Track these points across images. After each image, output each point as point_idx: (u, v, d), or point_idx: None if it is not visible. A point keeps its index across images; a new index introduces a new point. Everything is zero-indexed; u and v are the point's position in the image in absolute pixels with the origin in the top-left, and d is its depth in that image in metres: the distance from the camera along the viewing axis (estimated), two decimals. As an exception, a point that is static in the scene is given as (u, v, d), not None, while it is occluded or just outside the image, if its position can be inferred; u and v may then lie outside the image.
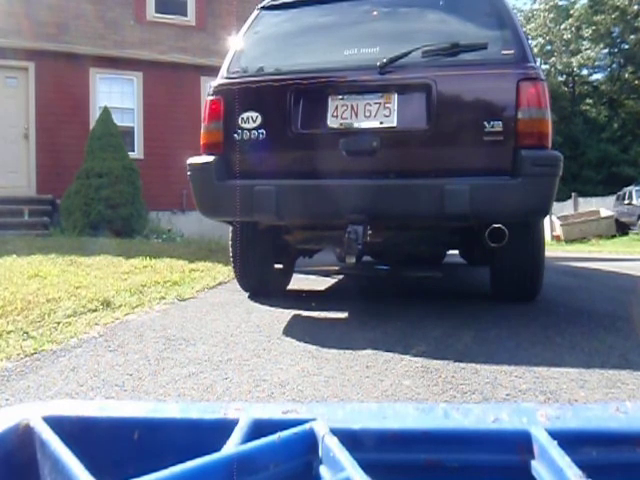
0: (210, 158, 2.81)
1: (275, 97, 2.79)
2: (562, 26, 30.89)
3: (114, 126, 9.41)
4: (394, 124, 2.62)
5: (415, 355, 2.05)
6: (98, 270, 4.38)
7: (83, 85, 10.16)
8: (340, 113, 2.69)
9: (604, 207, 18.30)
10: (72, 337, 2.48)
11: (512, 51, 2.58)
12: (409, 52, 2.60)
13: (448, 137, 2.57)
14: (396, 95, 2.64)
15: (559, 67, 31.96)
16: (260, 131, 2.76)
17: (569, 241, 17.68)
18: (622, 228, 16.93)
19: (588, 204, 19.65)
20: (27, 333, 2.50)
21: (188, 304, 3.37)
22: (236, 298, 3.48)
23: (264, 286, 3.51)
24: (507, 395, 1.61)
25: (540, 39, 32.51)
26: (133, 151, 10.44)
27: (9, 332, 2.48)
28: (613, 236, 16.74)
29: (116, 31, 10.35)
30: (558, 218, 18.96)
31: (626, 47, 30.67)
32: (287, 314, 2.93)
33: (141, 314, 3.02)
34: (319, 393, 1.67)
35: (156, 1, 10.93)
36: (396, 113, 2.62)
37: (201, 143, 2.94)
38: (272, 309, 3.11)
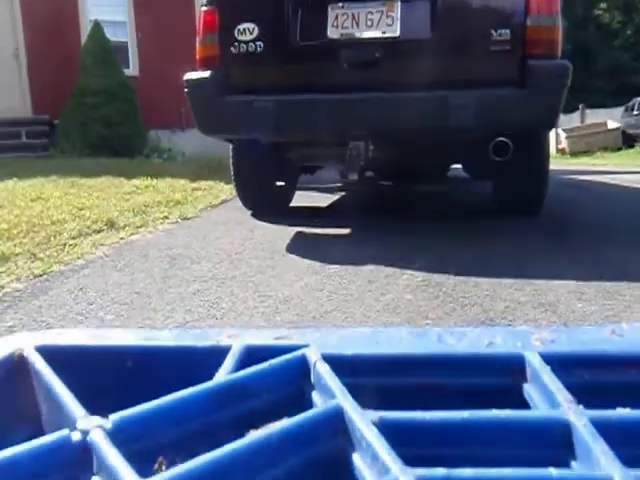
0: (206, 73, 2.71)
1: (272, 6, 2.65)
2: None
3: (106, 41, 9.04)
4: (397, 34, 2.50)
5: (417, 270, 2.08)
6: (100, 191, 4.36)
7: (70, -4, 9.65)
8: (340, 23, 2.56)
9: (612, 119, 17.85)
10: (79, 258, 2.51)
11: None
12: None
13: (453, 47, 2.47)
14: (399, 3, 2.50)
15: (573, -33, 30.04)
16: (258, 43, 2.64)
17: (574, 154, 17.43)
18: (629, 140, 16.61)
19: (596, 115, 19.16)
20: (34, 255, 2.54)
21: (192, 223, 3.39)
22: (239, 216, 3.49)
23: (266, 204, 3.50)
24: (506, 307, 1.65)
25: None
26: (128, 68, 10.08)
27: (17, 254, 2.51)
28: (619, 149, 16.48)
29: None
30: (564, 130, 18.58)
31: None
32: (290, 231, 2.95)
33: (145, 234, 3.04)
34: (322, 308, 1.71)
35: None
36: (399, 22, 2.50)
37: (197, 57, 2.83)
38: (275, 226, 3.13)
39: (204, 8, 2.76)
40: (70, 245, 2.77)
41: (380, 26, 2.52)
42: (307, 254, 2.38)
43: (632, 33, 30.19)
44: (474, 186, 4.33)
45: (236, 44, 2.67)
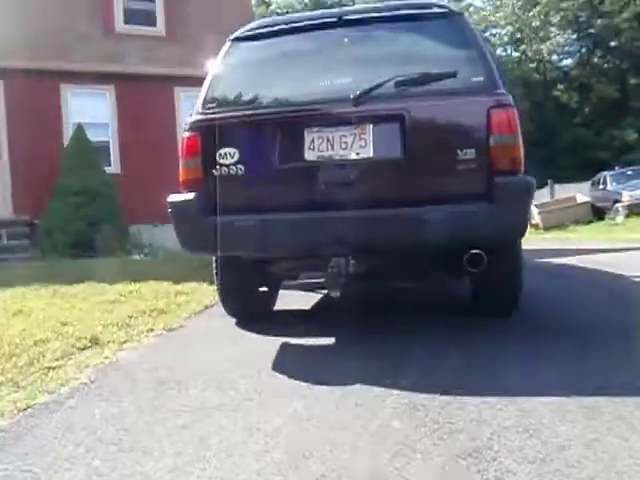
0: (190, 195, 2.83)
1: (251, 132, 2.82)
2: (530, 13, 31.20)
3: (88, 143, 9.34)
4: (370, 155, 2.67)
5: (402, 389, 2.11)
6: (83, 301, 4.37)
7: (54, 101, 10.04)
8: (317, 145, 2.73)
9: (580, 193, 18.58)
10: (63, 385, 2.49)
11: (481, 78, 2.63)
12: (381, 84, 2.65)
13: (423, 166, 2.63)
14: (371, 126, 2.68)
15: (530, 54, 32.29)
16: (239, 166, 2.79)
17: (547, 228, 17.96)
18: (598, 213, 17.20)
19: (564, 190, 19.93)
20: (17, 383, 2.51)
21: (176, 335, 3.40)
22: (223, 326, 3.51)
23: (249, 311, 3.55)
24: (491, 434, 1.68)
25: (510, 27, 32.82)
26: (110, 166, 10.36)
27: (0, 383, 2.49)
28: (590, 221, 17.04)
29: (84, 45, 10.23)
30: (535, 206, 19.23)
31: (593, 32, 31.09)
32: (274, 343, 2.97)
33: (130, 351, 3.03)
34: (311, 442, 1.72)
35: (124, 12, 10.82)
36: (371, 144, 2.67)
37: (180, 179, 2.96)
38: (260, 337, 3.15)
39: (187, 134, 2.93)
40: (54, 368, 2.75)
41: (354, 148, 2.70)
42: (293, 372, 2.40)
43: (590, 112, 32.10)
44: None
45: (218, 167, 2.81)
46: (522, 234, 2.67)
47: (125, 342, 3.23)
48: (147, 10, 10.96)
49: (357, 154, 2.69)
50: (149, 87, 10.58)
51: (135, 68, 10.33)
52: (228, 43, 3.12)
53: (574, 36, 31.82)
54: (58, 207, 8.81)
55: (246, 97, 2.91)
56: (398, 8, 2.99)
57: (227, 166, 2.80)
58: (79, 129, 9.33)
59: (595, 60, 31.80)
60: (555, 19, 30.61)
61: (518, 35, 32.93)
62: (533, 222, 19.56)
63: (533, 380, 2.14)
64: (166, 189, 11.49)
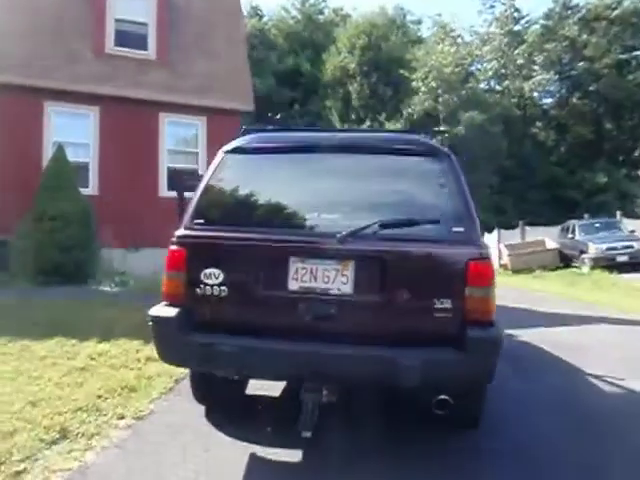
0: (172, 312, 2.88)
1: (237, 255, 2.89)
2: (516, 51, 31.94)
3: (67, 164, 9.26)
4: (350, 291, 2.77)
5: None
6: (52, 367, 4.35)
7: (37, 119, 9.92)
8: (300, 276, 2.82)
9: (549, 237, 19.08)
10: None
11: (462, 229, 2.76)
12: (366, 227, 2.75)
13: (400, 309, 2.74)
14: (353, 263, 2.79)
15: (512, 90, 33.02)
16: (222, 288, 2.85)
17: (515, 271, 18.40)
18: (565, 260, 17.71)
19: (535, 232, 20.43)
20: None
21: (146, 430, 3.40)
22: (193, 418, 3.54)
23: (221, 399, 3.61)
24: None
25: (495, 62, 33.51)
26: (87, 187, 10.28)
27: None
28: (557, 267, 17.52)
29: (73, 64, 10.15)
30: (506, 247, 19.71)
31: (575, 74, 32.00)
32: (243, 451, 3.04)
33: (99, 454, 3.04)
34: None
35: (115, 34, 10.77)
36: (352, 281, 2.77)
37: (163, 290, 3.01)
38: (230, 443, 3.20)
39: (173, 247, 2.98)
40: (19, 474, 2.76)
41: (336, 283, 2.79)
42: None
43: (565, 151, 33.00)
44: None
45: (202, 286, 2.87)
46: (490, 381, 2.79)
47: (94, 436, 3.25)
48: (139, 33, 10.93)
49: (338, 289, 2.78)
50: (135, 111, 10.54)
51: (122, 91, 10.28)
52: (220, 155, 3.19)
53: (556, 77, 32.66)
54: (32, 230, 8.70)
55: (234, 218, 2.97)
56: (391, 140, 3.11)
57: (211, 286, 2.86)
58: (59, 150, 9.23)
59: (574, 101, 32.69)
60: (539, 59, 31.39)
61: (502, 70, 33.65)
62: (502, 262, 20.06)
63: None
64: (142, 214, 11.57)
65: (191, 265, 2.91)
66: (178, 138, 11.35)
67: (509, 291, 13.94)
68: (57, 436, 3.20)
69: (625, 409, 4.03)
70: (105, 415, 3.55)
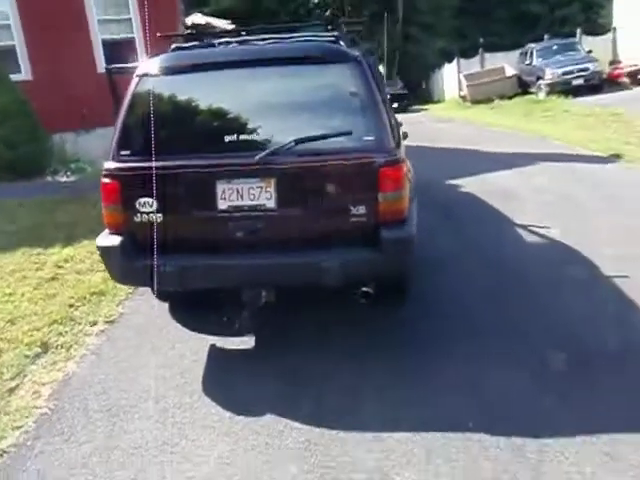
0: (115, 240, 3.14)
1: (167, 183, 3.06)
2: None
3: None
4: (274, 206, 3.03)
5: (303, 422, 2.74)
6: (23, 281, 4.66)
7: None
8: (228, 196, 3.05)
9: (509, 63, 18.81)
10: (27, 417, 2.97)
11: (372, 137, 2.94)
12: (283, 146, 2.92)
13: (320, 218, 3.02)
14: (274, 180, 3.00)
15: None
16: (158, 215, 3.08)
17: (475, 101, 18.43)
18: (524, 86, 17.70)
19: (494, 60, 20.06)
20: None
21: (118, 334, 3.84)
22: (157, 318, 3.96)
23: (180, 297, 4.01)
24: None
25: None
26: (19, 72, 9.74)
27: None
28: (516, 95, 17.55)
29: None
30: (465, 77, 19.47)
31: None
32: (204, 344, 3.53)
33: (79, 363, 3.49)
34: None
35: None
36: (275, 197, 3.02)
37: (105, 221, 3.23)
38: (191, 335, 3.67)
39: (105, 180, 3.14)
40: (14, 390, 3.21)
41: (261, 199, 3.03)
42: (220, 400, 2.98)
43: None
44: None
45: (138, 215, 3.09)
46: (406, 274, 3.20)
47: (72, 346, 3.68)
48: None
49: (263, 205, 3.03)
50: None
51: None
52: (136, 79, 3.19)
53: None
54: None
55: (159, 145, 3.09)
56: (299, 49, 3.14)
57: (147, 213, 3.09)
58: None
59: None
60: None
61: None
62: (462, 94, 19.96)
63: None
64: (84, 94, 11.15)
65: (124, 196, 3.11)
66: (107, 4, 10.50)
67: (463, 127, 14.28)
68: (39, 351, 3.62)
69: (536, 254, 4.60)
70: (79, 324, 3.97)
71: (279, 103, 3.08)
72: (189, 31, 3.54)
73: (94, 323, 4.00)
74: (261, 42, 3.38)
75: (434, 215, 5.88)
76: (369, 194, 2.96)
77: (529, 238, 5.06)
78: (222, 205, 3.06)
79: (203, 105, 3.15)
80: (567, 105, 14.10)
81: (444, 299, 3.97)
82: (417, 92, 27.66)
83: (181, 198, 3.09)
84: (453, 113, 18.34)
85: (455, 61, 21.96)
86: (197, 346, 3.56)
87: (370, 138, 2.95)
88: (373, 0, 28.48)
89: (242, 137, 3.00)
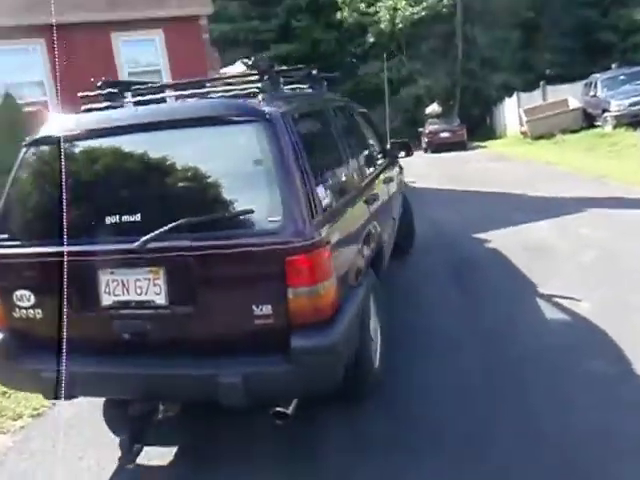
0: None
1: (45, 274, 2.56)
2: None
3: (18, 111, 8.79)
4: (164, 302, 2.42)
5: None
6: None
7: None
8: (112, 289, 2.48)
9: (573, 96, 17.54)
10: None
11: (279, 217, 2.29)
12: (168, 229, 2.32)
13: (220, 320, 2.38)
14: (163, 271, 2.41)
15: None
16: (37, 310, 2.58)
17: (536, 137, 17.24)
18: (590, 119, 16.36)
19: (558, 92, 18.80)
20: None
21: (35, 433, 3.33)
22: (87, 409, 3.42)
23: None
24: None
25: None
26: (52, 127, 9.85)
27: None
28: (581, 129, 16.21)
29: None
30: (525, 112, 18.32)
31: None
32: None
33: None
34: None
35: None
36: (165, 291, 2.41)
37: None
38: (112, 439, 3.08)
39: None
40: None
41: (149, 294, 2.44)
42: None
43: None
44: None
45: (17, 309, 2.60)
46: (329, 390, 2.48)
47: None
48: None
49: (153, 301, 2.44)
50: (82, 36, 9.76)
51: (62, 18, 9.45)
52: (23, 149, 2.74)
53: None
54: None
55: (37, 229, 2.60)
56: (201, 108, 2.57)
57: (25, 309, 2.58)
58: (8, 97, 8.74)
59: None
60: None
61: None
62: (522, 129, 18.82)
63: None
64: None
65: (3, 286, 2.61)
66: (137, 58, 10.57)
67: (517, 167, 13.21)
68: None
69: (552, 346, 3.64)
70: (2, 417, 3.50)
71: (174, 175, 2.49)
72: (111, 89, 3.01)
73: (20, 416, 3.51)
74: (172, 101, 2.85)
75: (440, 282, 5.07)
76: (275, 290, 2.29)
77: (550, 316, 4.12)
78: (106, 300, 2.49)
79: (88, 179, 2.60)
80: (635, 139, 12.73)
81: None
82: (480, 128, 26.56)
83: (60, 291, 2.55)
84: (511, 150, 17.19)
85: (514, 96, 20.81)
86: (110, 455, 2.95)
87: (276, 218, 2.29)
88: (432, 36, 27.92)
89: (126, 218, 2.43)
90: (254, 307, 2.30)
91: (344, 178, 3.12)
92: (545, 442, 2.59)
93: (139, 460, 2.87)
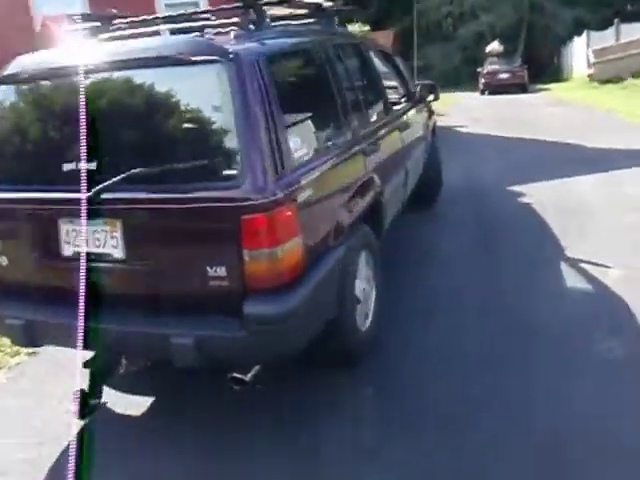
0: None
1: (7, 221, 2.48)
2: None
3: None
4: (121, 256, 2.28)
5: None
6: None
7: None
8: (72, 239, 2.36)
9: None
10: None
11: (236, 171, 2.07)
12: (119, 179, 2.15)
13: (173, 279, 2.22)
14: (120, 223, 2.25)
15: None
16: (2, 258, 2.51)
17: (602, 81, 15.91)
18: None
19: (633, 31, 17.11)
20: None
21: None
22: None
23: None
24: None
25: None
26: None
27: None
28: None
29: None
30: (593, 52, 16.85)
31: None
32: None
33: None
34: None
35: None
36: (122, 245, 2.27)
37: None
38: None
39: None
40: None
41: (107, 246, 2.30)
42: None
43: None
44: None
45: (-16, 256, 2.53)
46: (286, 357, 2.31)
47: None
48: None
49: (110, 255, 2.30)
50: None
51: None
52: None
53: None
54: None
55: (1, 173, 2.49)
56: (163, 47, 2.30)
57: (-9, 256, 2.51)
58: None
59: None
60: None
61: None
62: (589, 73, 17.40)
63: None
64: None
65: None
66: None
67: (577, 113, 12.26)
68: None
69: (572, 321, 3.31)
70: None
71: (129, 121, 2.28)
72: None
73: (17, 353, 3.57)
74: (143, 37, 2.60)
75: (462, 238, 4.75)
76: (230, 251, 2.09)
77: (573, 283, 3.76)
78: (67, 251, 2.38)
79: (48, 124, 2.41)
80: None
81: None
82: (545, 70, 24.81)
83: (23, 239, 2.46)
84: (573, 94, 15.97)
85: (584, 35, 19.09)
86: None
87: (232, 172, 2.07)
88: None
89: (84, 166, 2.26)
90: (208, 268, 2.12)
91: (336, 127, 2.83)
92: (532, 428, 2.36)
93: (117, 409, 2.88)
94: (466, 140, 9.90)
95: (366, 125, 3.24)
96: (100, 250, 2.31)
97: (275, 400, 2.71)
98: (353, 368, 2.91)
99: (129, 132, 2.25)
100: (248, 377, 2.24)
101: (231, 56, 2.14)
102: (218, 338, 2.15)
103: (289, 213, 2.14)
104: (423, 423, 2.46)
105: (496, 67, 20.45)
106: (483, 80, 20.60)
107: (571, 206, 5.34)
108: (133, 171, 2.13)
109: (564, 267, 4.01)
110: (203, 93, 2.18)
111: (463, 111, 14.97)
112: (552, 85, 21.09)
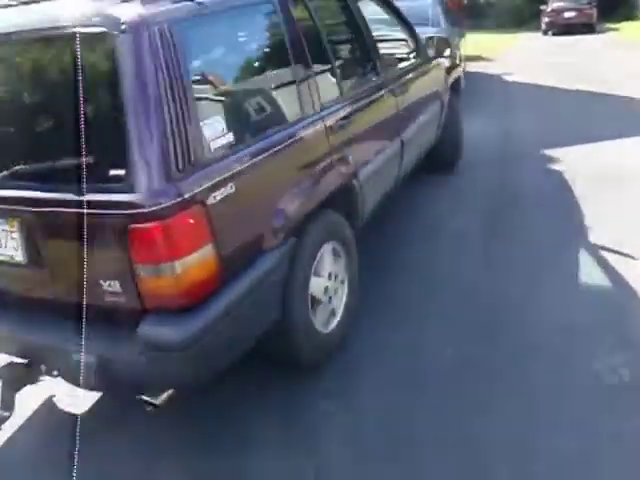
0: None
1: None
2: None
3: None
4: (22, 260, 2.02)
5: None
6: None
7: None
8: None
9: None
10: None
11: (124, 170, 1.71)
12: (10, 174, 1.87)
13: (73, 290, 1.93)
14: (17, 223, 1.99)
15: None
16: None
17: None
18: None
19: None
20: None
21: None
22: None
23: None
24: None
25: None
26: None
27: None
28: None
29: None
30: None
31: None
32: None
33: None
34: None
35: None
36: (22, 247, 2.01)
37: None
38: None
39: None
40: None
41: (8, 248, 2.05)
42: None
43: None
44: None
45: None
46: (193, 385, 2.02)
47: None
48: None
49: (12, 257, 2.05)
50: None
51: None
52: None
53: None
54: None
55: None
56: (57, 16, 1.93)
57: None
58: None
59: None
60: None
61: None
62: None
63: None
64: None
65: None
66: None
67: (625, 51, 10.97)
68: None
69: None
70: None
71: (14, 108, 1.97)
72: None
73: None
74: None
75: (475, 215, 4.24)
76: (121, 264, 1.78)
77: (588, 279, 3.22)
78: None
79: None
80: None
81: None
82: (618, 7, 22.43)
83: None
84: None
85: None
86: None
87: (120, 172, 1.74)
88: None
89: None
90: (102, 281, 1.84)
91: (286, 101, 2.40)
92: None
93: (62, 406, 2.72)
94: (509, 91, 9.05)
95: (337, 94, 2.79)
96: (3, 251, 2.06)
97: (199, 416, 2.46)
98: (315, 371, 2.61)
99: (11, 122, 1.95)
100: (159, 401, 1.97)
101: (122, 26, 1.75)
102: (118, 360, 1.88)
103: (194, 219, 1.79)
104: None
105: (561, 4, 18.61)
106: (546, 19, 18.86)
107: (605, 177, 4.69)
108: (16, 168, 1.84)
109: (584, 256, 3.49)
110: (94, 72, 1.82)
111: (515, 55, 13.77)
112: (622, 24, 19.09)
